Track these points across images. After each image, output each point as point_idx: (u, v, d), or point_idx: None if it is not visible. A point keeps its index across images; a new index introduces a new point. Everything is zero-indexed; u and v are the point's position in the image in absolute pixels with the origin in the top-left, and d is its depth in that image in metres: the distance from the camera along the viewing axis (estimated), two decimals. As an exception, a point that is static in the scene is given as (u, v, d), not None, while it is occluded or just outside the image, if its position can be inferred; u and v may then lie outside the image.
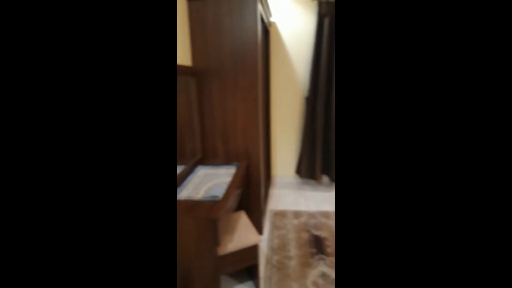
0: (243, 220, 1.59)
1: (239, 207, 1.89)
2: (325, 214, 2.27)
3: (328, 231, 2.02)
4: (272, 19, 2.52)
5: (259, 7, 1.64)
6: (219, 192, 1.33)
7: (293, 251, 1.82)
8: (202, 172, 1.63)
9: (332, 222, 2.14)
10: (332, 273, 1.61)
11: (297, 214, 2.30)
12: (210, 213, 1.15)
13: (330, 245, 1.85)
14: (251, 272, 1.61)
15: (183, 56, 1.61)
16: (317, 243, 1.89)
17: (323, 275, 1.59)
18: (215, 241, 1.17)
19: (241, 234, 1.44)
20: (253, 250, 1.43)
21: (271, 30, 2.54)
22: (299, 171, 2.80)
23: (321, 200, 2.55)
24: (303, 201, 2.56)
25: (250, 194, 1.91)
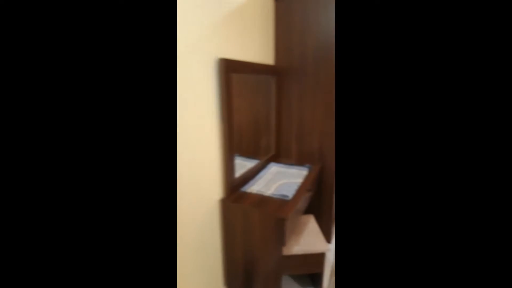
0: (311, 224, 1.53)
1: (308, 210, 1.84)
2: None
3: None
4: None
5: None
6: (289, 192, 1.32)
7: (363, 268, 1.66)
8: (274, 169, 1.64)
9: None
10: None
11: (372, 229, 2.07)
12: (278, 212, 1.15)
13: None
14: (314, 280, 1.54)
15: (267, 55, 1.66)
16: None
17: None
18: (281, 240, 1.17)
19: (309, 239, 1.39)
20: (319, 258, 1.36)
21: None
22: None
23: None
24: (381, 215, 2.29)
25: (321, 199, 1.83)
